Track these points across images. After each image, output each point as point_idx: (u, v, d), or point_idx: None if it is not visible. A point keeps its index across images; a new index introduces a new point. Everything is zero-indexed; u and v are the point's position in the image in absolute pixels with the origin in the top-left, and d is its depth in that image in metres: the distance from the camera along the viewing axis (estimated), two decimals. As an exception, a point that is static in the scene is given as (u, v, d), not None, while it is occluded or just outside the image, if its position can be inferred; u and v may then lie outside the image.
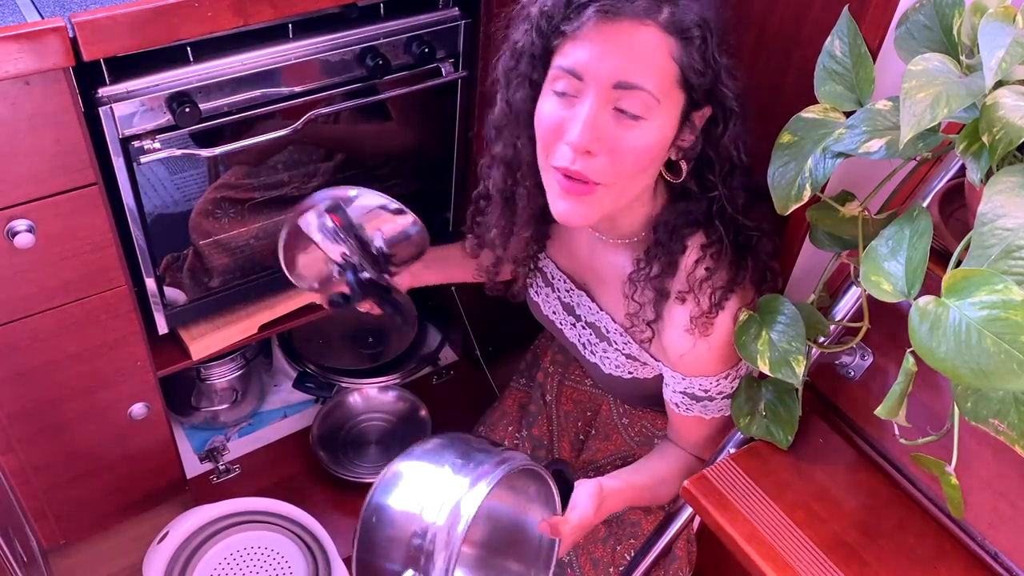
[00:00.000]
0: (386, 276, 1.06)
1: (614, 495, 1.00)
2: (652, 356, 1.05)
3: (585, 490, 0.97)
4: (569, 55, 0.84)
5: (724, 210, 0.93)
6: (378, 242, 1.06)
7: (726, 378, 0.99)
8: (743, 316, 0.94)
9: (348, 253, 1.03)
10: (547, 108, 0.87)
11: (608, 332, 1.08)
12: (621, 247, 1.01)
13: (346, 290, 1.05)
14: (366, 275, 1.03)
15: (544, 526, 0.95)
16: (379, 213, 1.06)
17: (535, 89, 0.90)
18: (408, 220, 1.07)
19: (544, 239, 1.12)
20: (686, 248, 0.95)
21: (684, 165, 0.91)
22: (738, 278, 0.95)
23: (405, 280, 1.19)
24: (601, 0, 0.81)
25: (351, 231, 1.03)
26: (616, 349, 1.08)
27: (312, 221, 1.03)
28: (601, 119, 0.83)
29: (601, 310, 1.08)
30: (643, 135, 0.84)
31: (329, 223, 1.03)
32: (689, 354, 0.97)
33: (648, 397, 1.13)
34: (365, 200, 1.05)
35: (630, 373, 1.08)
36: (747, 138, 0.90)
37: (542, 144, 0.89)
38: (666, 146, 0.88)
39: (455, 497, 0.86)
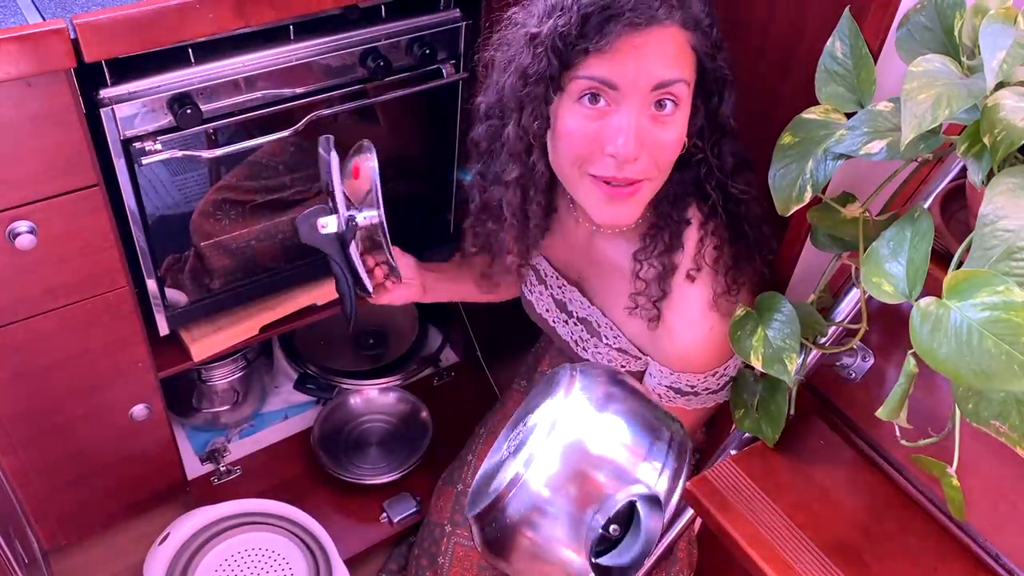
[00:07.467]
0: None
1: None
2: (640, 351, 1.05)
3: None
4: (599, 67, 0.85)
5: (712, 174, 0.96)
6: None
7: (714, 375, 1.00)
8: (740, 312, 0.94)
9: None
10: (574, 122, 0.88)
11: (599, 327, 1.08)
12: (619, 236, 1.02)
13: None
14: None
15: None
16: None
17: (548, 107, 0.91)
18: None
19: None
20: (689, 221, 0.97)
21: (686, 140, 0.93)
22: (743, 251, 0.97)
23: (414, 293, 1.19)
24: (627, 15, 0.82)
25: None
26: (607, 344, 1.08)
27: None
28: (642, 124, 0.86)
29: (592, 304, 1.09)
30: (676, 127, 0.88)
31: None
32: (684, 346, 0.99)
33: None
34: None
35: (622, 367, 1.09)
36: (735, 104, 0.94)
37: (573, 157, 0.90)
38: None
39: None
